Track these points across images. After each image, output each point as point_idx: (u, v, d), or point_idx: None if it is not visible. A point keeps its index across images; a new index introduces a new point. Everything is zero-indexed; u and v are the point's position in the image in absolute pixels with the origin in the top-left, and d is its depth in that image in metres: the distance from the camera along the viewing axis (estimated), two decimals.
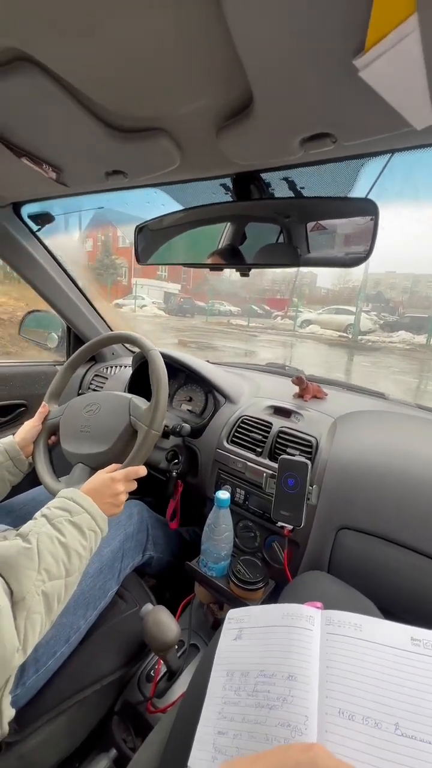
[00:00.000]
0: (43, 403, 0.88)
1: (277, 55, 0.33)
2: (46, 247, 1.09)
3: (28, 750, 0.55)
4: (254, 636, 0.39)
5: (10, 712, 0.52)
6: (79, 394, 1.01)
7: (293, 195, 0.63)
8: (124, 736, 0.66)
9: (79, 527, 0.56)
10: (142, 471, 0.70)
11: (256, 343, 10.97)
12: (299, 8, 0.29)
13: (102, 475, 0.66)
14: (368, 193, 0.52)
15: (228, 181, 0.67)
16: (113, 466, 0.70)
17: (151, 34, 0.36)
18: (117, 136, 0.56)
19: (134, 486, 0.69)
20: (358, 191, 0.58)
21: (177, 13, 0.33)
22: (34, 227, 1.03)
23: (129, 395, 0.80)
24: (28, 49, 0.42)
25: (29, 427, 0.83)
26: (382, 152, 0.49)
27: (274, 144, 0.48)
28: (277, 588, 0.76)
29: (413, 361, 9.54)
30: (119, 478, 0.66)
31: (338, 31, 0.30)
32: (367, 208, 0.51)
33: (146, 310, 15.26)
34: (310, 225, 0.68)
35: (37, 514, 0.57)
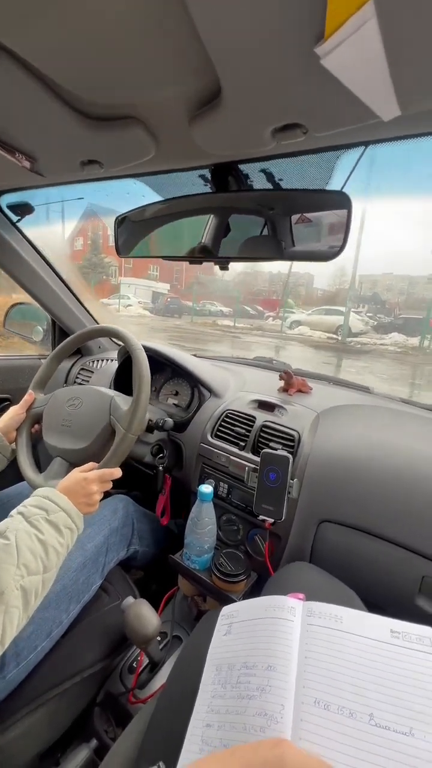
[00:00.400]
0: (29, 390, 0.87)
1: (241, 44, 0.33)
2: (27, 239, 1.07)
3: (7, 742, 0.55)
4: (241, 630, 0.40)
5: None
6: (64, 387, 1.00)
7: (271, 187, 0.62)
8: (105, 727, 0.67)
9: (56, 525, 0.57)
10: (117, 473, 0.70)
11: (239, 345, 10.47)
12: None
13: (76, 474, 0.66)
14: (343, 185, 0.51)
15: (206, 173, 0.66)
16: (89, 465, 0.70)
17: (118, 18, 0.35)
18: (90, 125, 0.54)
19: (109, 486, 0.69)
20: (335, 184, 0.57)
21: None
22: (14, 218, 1.01)
23: (112, 393, 0.80)
24: None
25: (13, 414, 0.83)
26: (356, 144, 0.48)
27: (246, 134, 0.47)
28: (259, 580, 0.77)
29: (405, 366, 8.93)
30: (93, 479, 0.66)
31: (300, 19, 0.29)
32: (341, 200, 0.51)
33: (131, 309, 14.93)
34: (295, 217, 0.67)
35: (14, 512, 0.57)
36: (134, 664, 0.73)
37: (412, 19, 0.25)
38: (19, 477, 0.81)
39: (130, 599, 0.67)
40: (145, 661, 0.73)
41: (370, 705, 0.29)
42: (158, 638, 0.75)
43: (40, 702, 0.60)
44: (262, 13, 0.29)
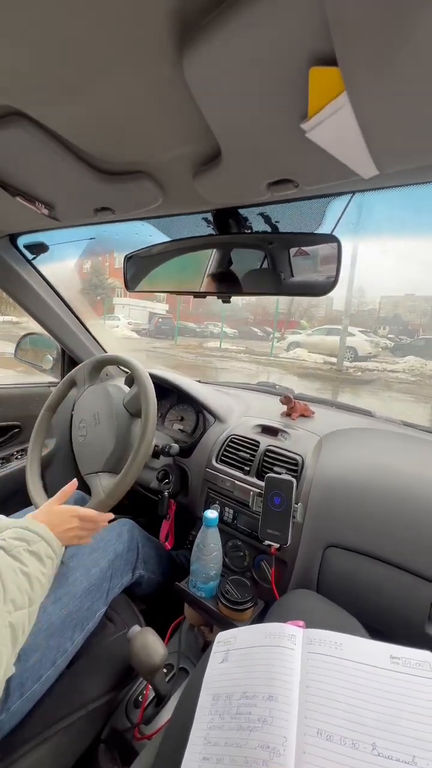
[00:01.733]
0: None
1: (236, 118, 0.38)
2: (41, 274, 1.14)
3: None
4: (239, 657, 0.39)
5: None
6: (72, 414, 1.04)
7: (269, 229, 0.68)
8: (110, 766, 0.65)
9: (38, 555, 0.56)
10: (102, 521, 0.69)
11: (200, 370, 8.81)
12: (251, 83, 0.33)
13: (62, 507, 0.66)
14: (333, 229, 0.56)
15: (209, 216, 0.72)
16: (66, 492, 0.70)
17: (130, 96, 0.41)
18: (104, 178, 0.60)
19: (92, 528, 0.68)
20: (327, 225, 0.62)
21: (150, 80, 0.38)
22: (30, 256, 1.08)
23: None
24: (22, 106, 0.46)
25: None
26: (342, 193, 0.53)
27: (244, 186, 0.52)
28: (266, 608, 0.76)
29: (418, 400, 6.50)
30: (77, 515, 0.66)
31: (286, 100, 0.34)
32: (331, 241, 0.56)
33: (116, 331, 13.90)
34: (293, 250, 0.72)
35: None
36: (140, 698, 0.71)
37: (379, 103, 0.30)
38: (24, 503, 0.83)
39: (136, 628, 0.67)
40: (151, 694, 0.71)
41: (373, 734, 0.29)
42: (164, 670, 0.73)
43: (45, 736, 0.59)
44: (254, 95, 0.35)
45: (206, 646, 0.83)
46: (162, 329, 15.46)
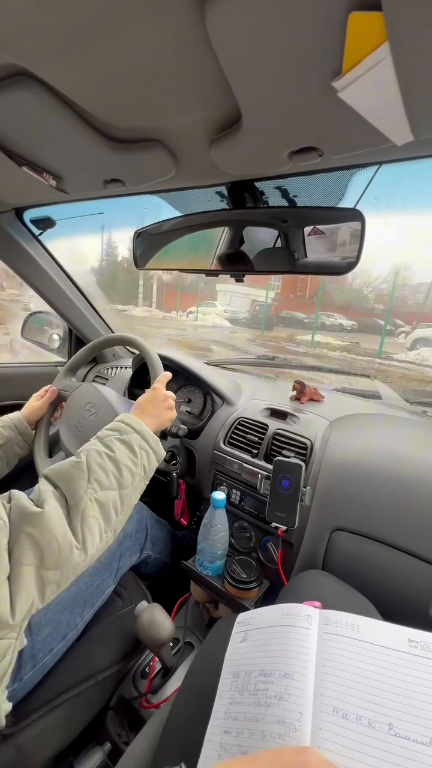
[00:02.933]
0: (52, 387, 0.90)
1: (261, 77, 0.35)
2: (47, 251, 1.11)
3: (24, 741, 0.56)
4: (257, 637, 0.40)
5: (6, 706, 0.54)
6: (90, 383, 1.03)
7: (286, 203, 0.65)
8: (118, 731, 0.68)
9: (129, 444, 0.59)
10: (165, 376, 0.77)
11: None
12: (280, 35, 0.30)
13: (145, 395, 0.72)
14: (357, 203, 0.53)
15: (223, 189, 0.68)
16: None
17: (144, 53, 0.38)
18: (114, 147, 0.57)
19: (174, 396, 0.76)
20: (349, 200, 0.59)
21: (167, 34, 0.35)
22: (36, 231, 1.05)
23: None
24: (27, 65, 0.43)
25: (35, 409, 0.87)
26: (369, 164, 0.50)
27: (264, 156, 0.49)
28: (271, 588, 0.77)
29: None
30: (159, 386, 0.73)
31: (319, 55, 0.31)
32: (354, 216, 0.53)
33: (208, 318, 13.15)
34: (308, 229, 0.69)
35: (93, 438, 0.61)
36: (147, 669, 0.74)
37: (424, 57, 0.27)
38: (33, 482, 0.83)
39: (144, 604, 0.68)
40: (158, 666, 0.73)
41: (389, 714, 0.29)
42: (170, 644, 0.75)
43: (56, 704, 0.61)
44: (283, 50, 0.32)
45: (211, 622, 0.85)
46: (258, 318, 13.74)
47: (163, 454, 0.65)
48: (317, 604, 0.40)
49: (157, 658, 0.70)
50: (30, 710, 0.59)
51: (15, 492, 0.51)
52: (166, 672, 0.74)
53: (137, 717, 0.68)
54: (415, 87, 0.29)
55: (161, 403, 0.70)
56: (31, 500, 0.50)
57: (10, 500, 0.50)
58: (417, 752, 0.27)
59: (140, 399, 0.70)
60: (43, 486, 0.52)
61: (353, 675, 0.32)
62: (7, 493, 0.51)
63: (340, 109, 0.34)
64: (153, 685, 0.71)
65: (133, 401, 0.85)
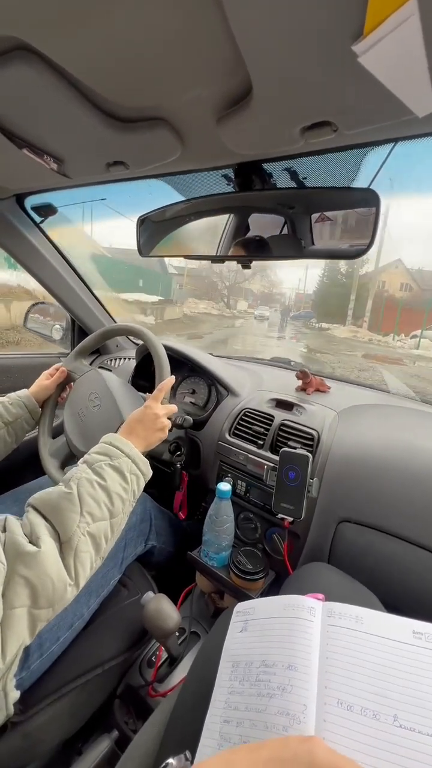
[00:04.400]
0: (62, 367, 0.88)
1: (275, 43, 0.33)
2: (49, 239, 1.09)
3: (32, 729, 0.57)
4: (258, 627, 0.40)
5: (15, 694, 0.54)
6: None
7: (295, 185, 0.62)
8: (125, 719, 0.68)
9: (120, 471, 0.57)
10: (168, 384, 0.72)
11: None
12: None
13: (138, 410, 0.68)
14: (371, 183, 0.51)
15: (230, 172, 0.66)
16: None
17: (150, 24, 0.36)
18: (117, 126, 0.55)
19: (173, 409, 0.72)
20: (361, 182, 0.57)
21: (174, 3, 0.33)
22: (38, 219, 1.03)
23: (126, 413, 0.78)
24: (27, 38, 0.41)
25: (44, 388, 0.86)
26: (385, 141, 0.48)
27: (274, 133, 0.47)
28: (277, 579, 0.77)
29: None
30: (152, 404, 0.68)
31: (336, 16, 0.29)
32: (368, 198, 0.51)
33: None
34: (315, 216, 0.67)
35: (80, 461, 0.59)
36: (153, 658, 0.74)
37: None
38: (40, 471, 0.83)
39: (150, 594, 0.68)
40: (164, 655, 0.74)
41: (394, 706, 0.29)
42: (176, 633, 0.76)
43: (63, 692, 0.61)
44: (300, 11, 0.30)
45: (217, 613, 0.85)
46: (302, 317, 12.25)
47: (150, 474, 0.62)
48: (320, 596, 0.39)
49: (163, 648, 0.70)
50: (38, 698, 0.59)
51: (10, 520, 0.49)
52: (173, 661, 0.74)
53: (144, 705, 0.68)
54: None
55: (151, 423, 0.66)
56: (24, 534, 0.48)
57: (5, 529, 0.48)
58: (422, 743, 0.27)
59: (130, 418, 0.66)
60: (33, 518, 0.50)
61: (357, 667, 0.32)
62: (2, 519, 0.50)
63: (357, 77, 0.32)
64: (159, 674, 0.71)
65: (140, 394, 0.84)
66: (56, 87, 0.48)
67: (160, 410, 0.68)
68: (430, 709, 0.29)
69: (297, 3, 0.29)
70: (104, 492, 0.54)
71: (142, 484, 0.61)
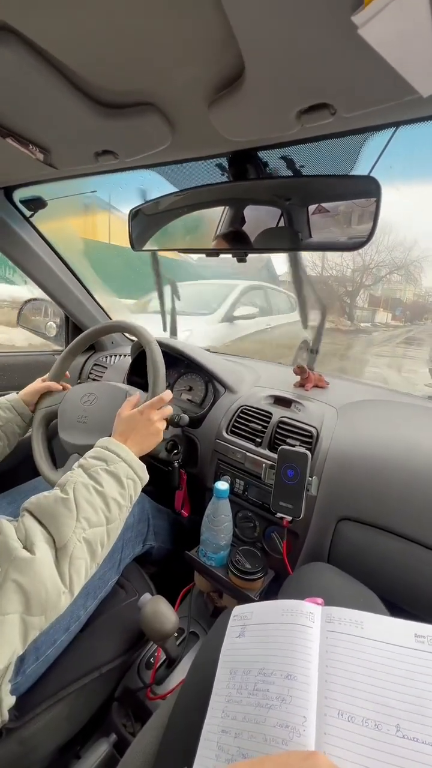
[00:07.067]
0: (48, 382, 0.87)
1: (270, 16, 0.30)
2: (40, 233, 1.06)
3: (28, 735, 0.56)
4: (256, 633, 0.39)
5: (10, 700, 0.53)
6: (78, 383, 1.01)
7: (292, 174, 0.60)
8: (123, 722, 0.67)
9: (117, 476, 0.56)
10: (166, 396, 0.70)
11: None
12: None
13: (126, 413, 0.66)
14: (371, 170, 0.49)
15: (224, 161, 0.64)
16: (133, 399, 0.70)
17: (137, 2, 0.33)
18: (105, 113, 0.53)
19: (167, 411, 0.69)
20: (360, 171, 0.54)
21: None
22: (27, 212, 1.00)
23: (125, 387, 0.79)
24: (8, 18, 0.39)
25: (33, 391, 0.85)
26: (386, 125, 0.45)
27: (269, 117, 0.44)
28: (276, 578, 0.76)
29: None
30: (146, 409, 0.66)
31: None
32: (368, 186, 0.48)
33: None
34: (312, 208, 0.64)
35: (75, 465, 0.57)
36: (151, 660, 0.73)
37: None
38: (35, 473, 0.82)
39: (147, 596, 0.67)
40: (162, 656, 0.73)
41: (397, 716, 0.28)
42: (175, 634, 0.75)
43: (60, 697, 0.60)
44: None
45: (216, 612, 0.84)
46: None
47: (147, 479, 0.61)
48: (320, 600, 0.38)
49: (161, 649, 0.69)
50: (34, 703, 0.58)
51: (4, 524, 0.47)
52: (171, 663, 0.73)
53: (142, 708, 0.67)
54: None
55: (145, 428, 0.64)
56: (19, 539, 0.46)
57: None
58: (426, 754, 0.26)
59: (123, 422, 0.64)
60: (28, 523, 0.48)
61: (358, 675, 0.31)
62: None
63: (358, 53, 0.30)
64: (158, 676, 0.71)
65: (130, 386, 0.82)
66: (40, 71, 0.46)
67: (155, 415, 0.66)
68: None
69: None
70: (101, 497, 0.53)
71: (140, 489, 0.60)
